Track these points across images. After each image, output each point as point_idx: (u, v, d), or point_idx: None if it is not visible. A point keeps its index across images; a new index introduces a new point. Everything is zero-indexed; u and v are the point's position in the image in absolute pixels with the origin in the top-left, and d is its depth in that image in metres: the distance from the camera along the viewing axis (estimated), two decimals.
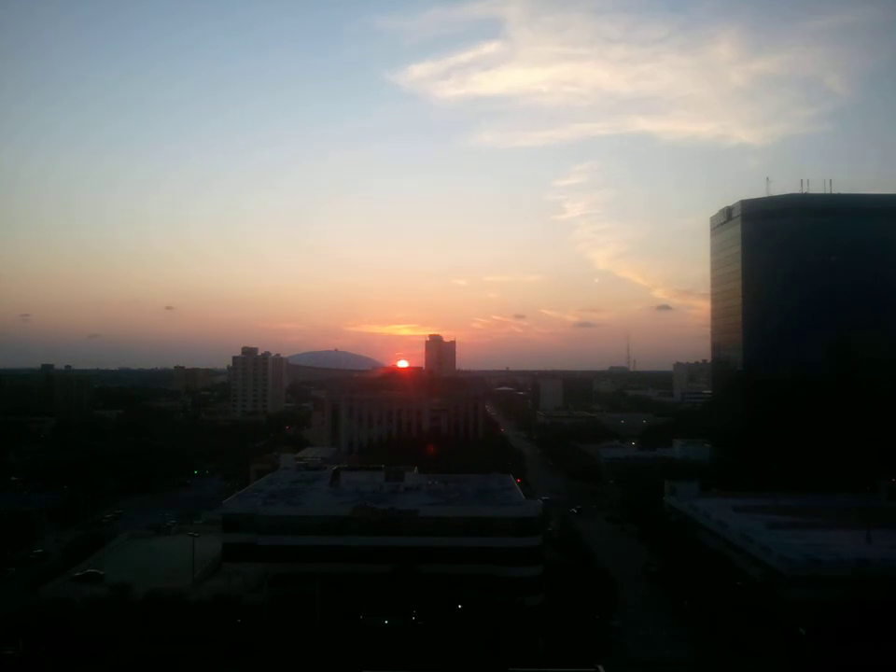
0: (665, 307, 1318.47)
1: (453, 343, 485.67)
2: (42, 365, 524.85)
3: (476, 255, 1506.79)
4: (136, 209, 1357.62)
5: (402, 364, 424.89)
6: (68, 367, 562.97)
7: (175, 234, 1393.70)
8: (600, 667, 78.19)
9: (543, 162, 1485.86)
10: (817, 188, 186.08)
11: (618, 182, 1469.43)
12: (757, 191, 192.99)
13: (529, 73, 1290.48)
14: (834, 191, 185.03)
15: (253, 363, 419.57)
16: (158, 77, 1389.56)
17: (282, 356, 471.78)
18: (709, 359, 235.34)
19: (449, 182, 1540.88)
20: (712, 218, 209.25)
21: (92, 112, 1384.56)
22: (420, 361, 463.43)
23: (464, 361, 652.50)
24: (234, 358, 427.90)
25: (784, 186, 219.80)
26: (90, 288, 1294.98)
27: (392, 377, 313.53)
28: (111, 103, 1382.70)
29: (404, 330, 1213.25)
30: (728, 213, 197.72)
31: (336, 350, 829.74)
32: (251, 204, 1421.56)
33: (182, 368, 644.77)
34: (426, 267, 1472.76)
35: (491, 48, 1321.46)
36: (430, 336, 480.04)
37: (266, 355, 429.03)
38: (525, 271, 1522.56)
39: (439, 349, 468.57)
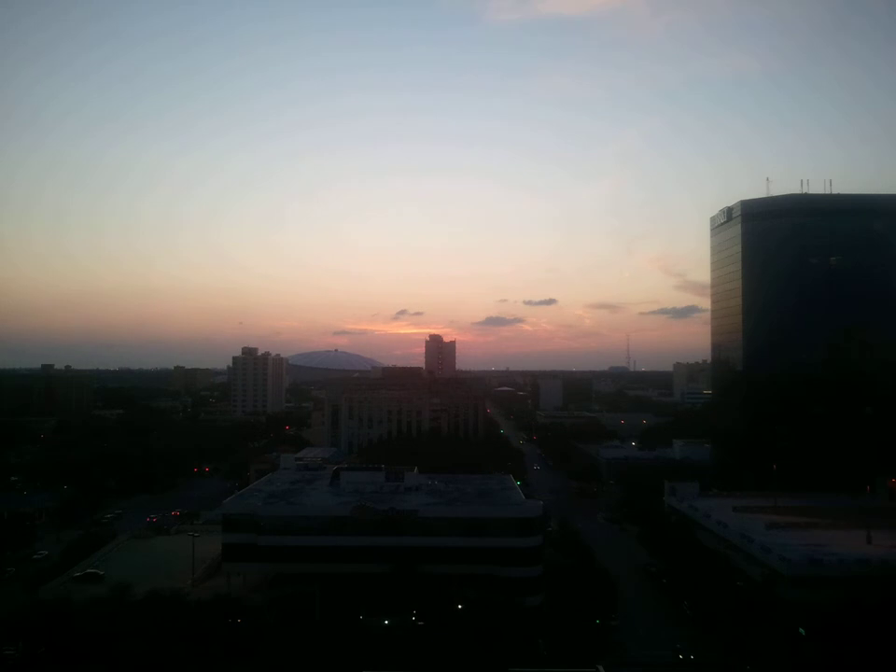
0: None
1: (453, 343, 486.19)
2: (42, 365, 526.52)
3: (486, 243, 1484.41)
4: (136, 208, 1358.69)
5: (402, 364, 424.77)
6: (68, 367, 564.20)
7: (175, 233, 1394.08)
8: (600, 667, 78.26)
9: (599, 118, 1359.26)
10: (817, 188, 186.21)
11: (685, 142, 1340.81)
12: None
13: None
14: (834, 191, 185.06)
15: (253, 363, 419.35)
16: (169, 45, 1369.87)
17: (282, 356, 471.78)
18: (709, 359, 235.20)
19: (470, 150, 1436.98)
20: (712, 218, 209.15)
21: (94, 109, 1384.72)
22: (420, 361, 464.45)
23: (464, 361, 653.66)
24: (234, 358, 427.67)
25: (785, 186, 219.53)
26: (90, 288, 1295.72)
27: (392, 377, 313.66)
28: (111, 98, 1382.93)
29: (404, 330, 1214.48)
30: (728, 213, 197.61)
31: (336, 350, 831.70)
32: (251, 202, 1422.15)
33: (182, 368, 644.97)
34: (429, 258, 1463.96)
35: None
36: (430, 336, 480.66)
37: (266, 355, 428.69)
38: (539, 262, 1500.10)
39: (439, 349, 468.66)
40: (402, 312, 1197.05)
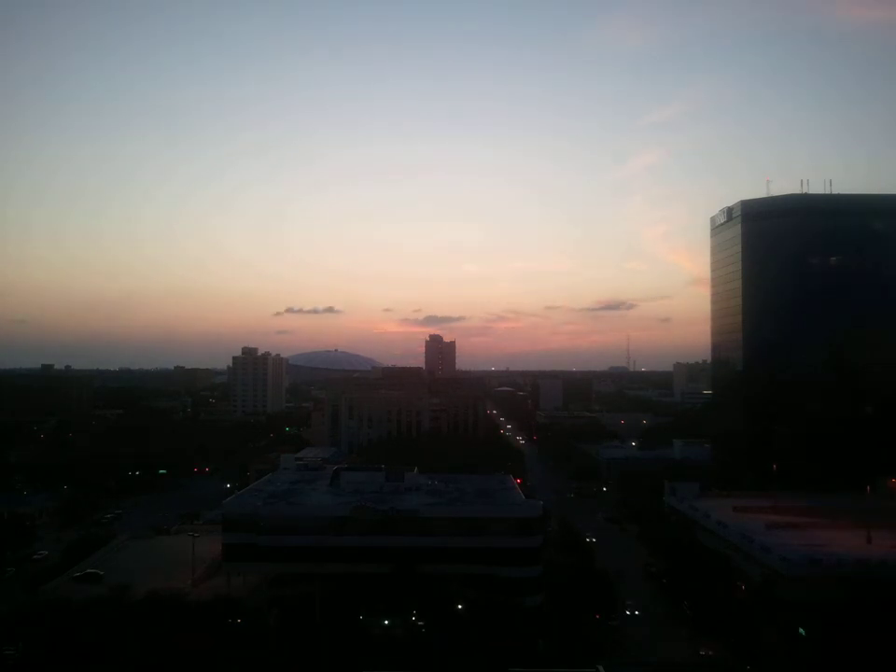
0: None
1: (453, 343, 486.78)
2: (42, 365, 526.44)
3: (492, 233, 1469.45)
4: (138, 208, 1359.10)
5: (402, 364, 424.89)
6: (68, 367, 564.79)
7: (176, 234, 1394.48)
8: (600, 667, 78.35)
9: (645, 79, 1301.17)
10: (817, 188, 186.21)
11: (684, 142, 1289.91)
12: None
13: None
14: (834, 191, 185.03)
15: (253, 363, 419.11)
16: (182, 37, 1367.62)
17: (282, 356, 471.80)
18: (709, 359, 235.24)
19: (481, 125, 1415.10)
20: (712, 218, 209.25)
21: (96, 110, 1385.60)
22: (420, 361, 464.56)
23: (464, 361, 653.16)
24: (234, 358, 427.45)
25: (785, 186, 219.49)
26: (90, 288, 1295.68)
27: (392, 377, 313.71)
28: (115, 100, 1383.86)
29: (404, 330, 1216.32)
30: (728, 213, 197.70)
31: (336, 350, 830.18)
32: (250, 201, 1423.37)
33: (182, 368, 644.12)
34: (430, 253, 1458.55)
35: None
36: (430, 336, 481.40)
37: (266, 355, 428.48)
38: (550, 256, 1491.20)
39: (439, 349, 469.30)
40: (532, 307, 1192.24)
